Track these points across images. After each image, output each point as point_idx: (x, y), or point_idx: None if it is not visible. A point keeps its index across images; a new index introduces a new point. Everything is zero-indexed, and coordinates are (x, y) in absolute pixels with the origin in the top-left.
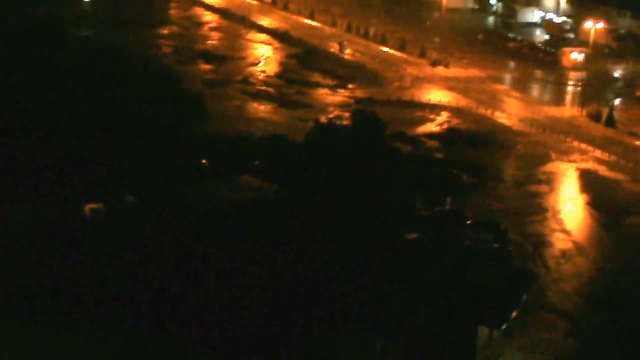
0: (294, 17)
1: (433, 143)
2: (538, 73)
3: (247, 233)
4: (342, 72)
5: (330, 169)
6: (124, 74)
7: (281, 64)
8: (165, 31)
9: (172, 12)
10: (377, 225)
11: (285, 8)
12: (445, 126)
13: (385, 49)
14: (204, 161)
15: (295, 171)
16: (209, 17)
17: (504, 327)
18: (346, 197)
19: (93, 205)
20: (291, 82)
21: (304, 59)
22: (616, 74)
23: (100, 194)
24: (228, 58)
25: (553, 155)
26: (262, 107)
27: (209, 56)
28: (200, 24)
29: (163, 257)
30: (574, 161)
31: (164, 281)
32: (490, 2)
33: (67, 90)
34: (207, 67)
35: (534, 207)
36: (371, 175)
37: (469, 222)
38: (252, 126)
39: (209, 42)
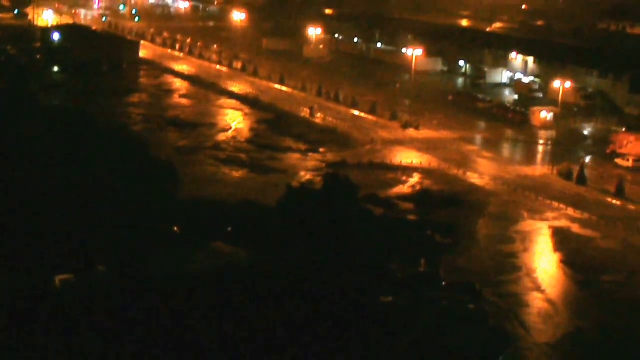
0: (264, 82)
1: (406, 205)
2: (508, 133)
3: (222, 301)
4: (313, 137)
5: (303, 234)
6: (94, 142)
7: (252, 129)
8: (135, 99)
9: (142, 80)
10: (353, 289)
11: (255, 74)
12: (418, 188)
13: (356, 112)
14: (175, 228)
15: (268, 236)
16: (178, 84)
17: None
18: (320, 261)
19: (64, 276)
20: (262, 148)
21: (275, 124)
22: (586, 132)
23: (70, 264)
24: (199, 124)
25: (526, 214)
26: (233, 173)
27: (179, 123)
28: (170, 91)
29: (136, 328)
30: (547, 219)
31: (137, 352)
32: (459, 64)
33: (38, 160)
34: (177, 134)
35: (508, 266)
36: (345, 238)
37: (444, 283)
38: (224, 192)
39: (179, 109)
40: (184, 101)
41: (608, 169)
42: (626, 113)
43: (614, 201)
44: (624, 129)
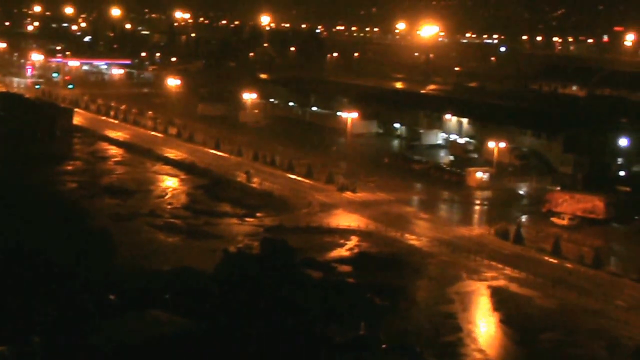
0: (200, 147)
1: (344, 268)
2: (445, 194)
3: None
4: (250, 201)
5: (241, 300)
6: (28, 211)
7: (188, 195)
8: (69, 167)
9: (77, 147)
10: (292, 354)
11: (190, 139)
12: (356, 250)
13: (292, 176)
14: (112, 296)
15: (206, 303)
16: (113, 151)
17: None
18: (259, 327)
19: None
20: (199, 213)
21: (211, 189)
22: (521, 192)
23: (3, 335)
24: (134, 191)
25: (464, 274)
26: (170, 240)
27: (114, 190)
28: (105, 158)
29: None
30: (485, 279)
31: None
32: (395, 126)
33: None
34: (113, 201)
35: (448, 327)
36: (283, 303)
37: (384, 346)
38: (161, 259)
39: (114, 176)
40: (119, 168)
41: (544, 227)
42: (560, 172)
43: (551, 260)
44: (558, 188)
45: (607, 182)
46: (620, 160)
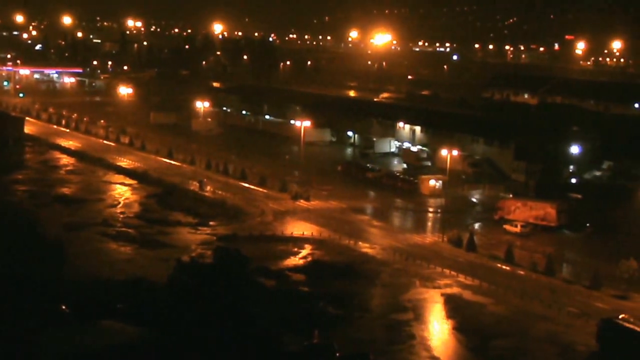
0: (152, 156)
1: (298, 276)
2: (398, 201)
3: None
4: (203, 210)
5: (194, 309)
6: None
7: (141, 204)
8: (21, 176)
9: (28, 156)
10: None
11: (142, 148)
12: (309, 259)
13: (245, 184)
14: (63, 307)
15: (159, 313)
16: (65, 160)
17: None
18: (212, 336)
19: None
20: (152, 222)
21: (164, 198)
22: (474, 199)
23: None
24: (86, 200)
25: (417, 282)
26: (123, 249)
27: (66, 199)
28: (56, 167)
29: None
30: (439, 287)
31: None
32: (348, 134)
33: None
34: (65, 210)
35: (402, 335)
36: (237, 312)
37: (338, 354)
38: (114, 269)
39: (66, 185)
40: (71, 177)
41: (497, 235)
42: (512, 179)
43: (504, 267)
44: (510, 195)
45: (558, 189)
46: (571, 168)
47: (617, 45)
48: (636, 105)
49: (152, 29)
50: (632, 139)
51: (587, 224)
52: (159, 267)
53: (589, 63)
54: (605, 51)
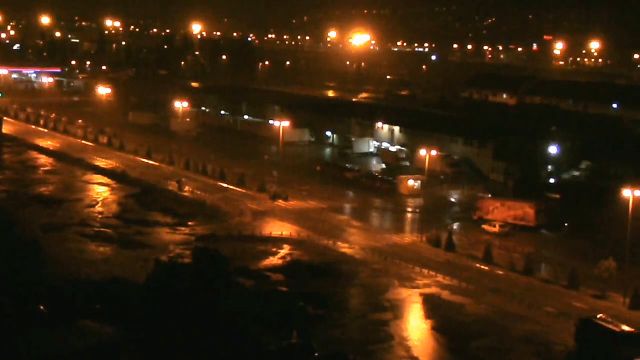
0: (131, 156)
1: (277, 276)
2: (377, 202)
3: None
4: (182, 210)
5: (174, 309)
6: None
7: (120, 204)
8: None
9: (6, 157)
10: None
11: (121, 148)
12: (289, 259)
13: (224, 184)
14: (42, 307)
15: (138, 313)
16: (43, 160)
17: None
18: (192, 337)
19: None
20: (130, 223)
21: (142, 198)
22: (453, 199)
23: None
24: (65, 201)
25: (396, 282)
26: (101, 249)
27: (44, 199)
28: (35, 168)
29: None
30: (418, 287)
31: None
32: (327, 134)
33: None
34: (43, 210)
35: (380, 335)
36: (216, 312)
37: (317, 354)
38: (92, 269)
39: (44, 185)
40: (50, 177)
41: (476, 235)
42: (491, 179)
43: (483, 267)
44: (489, 196)
45: (537, 189)
46: (550, 168)
47: (595, 45)
48: (614, 106)
49: (131, 29)
50: (610, 139)
51: (566, 224)
52: (137, 267)
53: (562, 63)
54: (584, 51)
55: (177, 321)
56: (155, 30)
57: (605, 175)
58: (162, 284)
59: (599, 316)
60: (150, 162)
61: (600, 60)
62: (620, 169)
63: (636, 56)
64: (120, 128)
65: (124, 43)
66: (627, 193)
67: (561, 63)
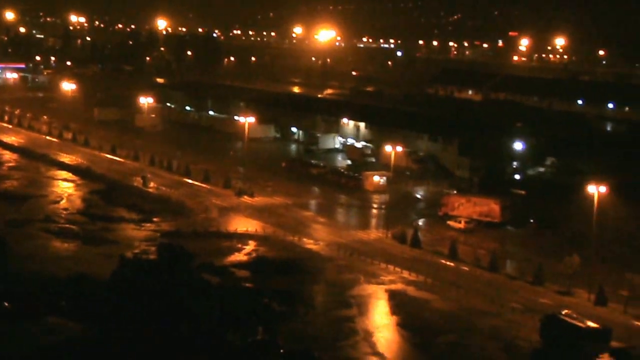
0: (96, 152)
1: (242, 272)
2: (342, 198)
3: None
4: (147, 206)
5: (138, 306)
6: None
7: (84, 200)
8: None
9: None
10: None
11: (86, 144)
12: (254, 255)
13: (189, 181)
14: (6, 304)
15: (103, 309)
16: (7, 156)
17: None
18: (156, 333)
19: None
20: (95, 219)
21: (107, 194)
22: (418, 195)
23: None
24: (29, 197)
25: (362, 278)
26: (65, 246)
27: (8, 196)
28: None
29: None
30: (383, 283)
31: None
32: (292, 130)
33: None
34: (7, 207)
35: (346, 331)
36: (181, 309)
37: (282, 351)
38: (57, 265)
39: (8, 181)
40: (14, 173)
41: (441, 231)
42: (456, 176)
43: (448, 263)
44: (454, 192)
45: (502, 185)
46: (515, 164)
47: (560, 42)
48: (579, 102)
49: (95, 25)
50: (575, 135)
51: (531, 220)
52: (102, 263)
53: (525, 59)
54: (549, 48)
55: (142, 317)
56: (120, 26)
57: (570, 171)
58: (127, 280)
59: (563, 312)
60: (115, 157)
61: (566, 57)
62: (585, 165)
63: (600, 52)
64: (85, 124)
65: (88, 38)
66: (592, 189)
67: (523, 59)
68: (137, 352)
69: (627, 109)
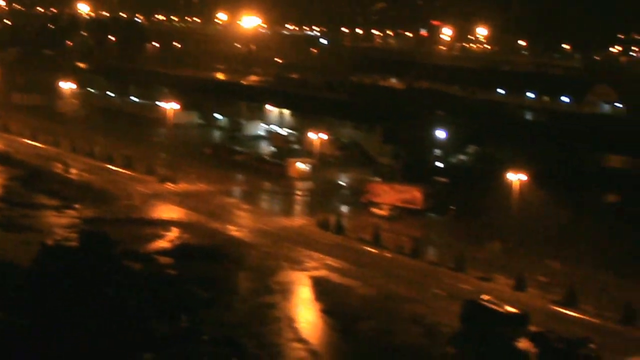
0: (15, 138)
1: (165, 260)
2: (266, 185)
3: None
4: (68, 193)
5: (59, 293)
6: None
7: (3, 186)
8: None
9: None
10: (112, 348)
11: (5, 129)
12: (177, 242)
13: (112, 167)
14: None
15: (22, 298)
16: None
17: None
18: (78, 321)
19: None
20: (15, 205)
21: (27, 180)
22: (342, 182)
23: None
24: None
25: (285, 264)
26: None
27: None
28: None
29: None
30: (307, 269)
31: None
32: (216, 116)
33: None
34: None
35: (269, 318)
36: (102, 296)
37: (205, 337)
38: None
39: None
40: None
41: (364, 218)
42: (380, 163)
43: (371, 249)
44: (378, 179)
45: (425, 173)
46: (437, 152)
47: (482, 32)
48: (500, 91)
49: (14, 7)
50: (496, 124)
51: (452, 207)
52: (22, 250)
53: (445, 48)
54: (473, 37)
55: (64, 305)
56: (40, 9)
57: (491, 159)
58: (48, 268)
59: (483, 297)
60: (36, 143)
61: (488, 47)
62: (505, 154)
63: (521, 42)
64: (4, 109)
65: (7, 22)
66: (511, 177)
67: (443, 48)
68: (57, 341)
69: (546, 98)
